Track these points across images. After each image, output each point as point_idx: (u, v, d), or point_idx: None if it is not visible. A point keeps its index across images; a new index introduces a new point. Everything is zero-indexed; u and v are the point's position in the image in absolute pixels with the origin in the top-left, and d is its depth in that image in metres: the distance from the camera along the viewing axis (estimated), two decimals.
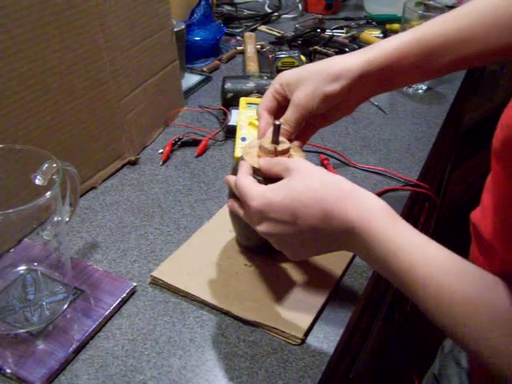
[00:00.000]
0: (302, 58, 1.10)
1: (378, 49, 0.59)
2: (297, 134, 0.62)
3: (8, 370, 0.52)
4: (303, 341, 0.57)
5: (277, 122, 0.57)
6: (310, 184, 0.50)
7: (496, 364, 0.40)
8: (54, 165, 0.54)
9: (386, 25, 1.37)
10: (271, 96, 0.62)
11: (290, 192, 0.50)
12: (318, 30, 1.25)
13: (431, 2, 1.09)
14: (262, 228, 0.52)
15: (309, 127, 0.65)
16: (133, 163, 0.85)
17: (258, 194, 0.51)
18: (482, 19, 0.57)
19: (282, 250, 0.54)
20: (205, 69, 1.14)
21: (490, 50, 0.58)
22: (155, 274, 0.63)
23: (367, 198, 0.48)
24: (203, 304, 0.61)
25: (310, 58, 1.13)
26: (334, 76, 0.58)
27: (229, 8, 1.46)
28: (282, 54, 1.08)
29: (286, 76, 0.61)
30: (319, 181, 0.50)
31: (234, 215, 0.65)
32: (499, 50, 0.58)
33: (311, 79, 0.59)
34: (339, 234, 0.48)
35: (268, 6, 1.50)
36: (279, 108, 0.62)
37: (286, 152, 0.57)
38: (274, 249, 0.66)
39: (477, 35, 0.57)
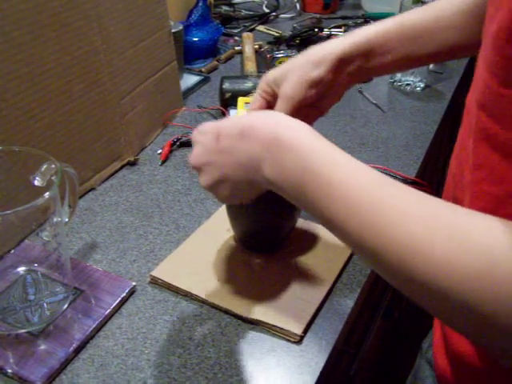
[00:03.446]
0: None
1: (361, 32, 0.60)
2: None
3: (9, 370, 0.52)
4: (302, 338, 0.57)
5: None
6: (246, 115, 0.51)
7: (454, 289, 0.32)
8: (53, 166, 0.54)
9: None
10: (259, 97, 0.62)
11: (223, 120, 0.51)
12: (316, 30, 1.26)
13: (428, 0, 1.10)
14: (192, 156, 0.51)
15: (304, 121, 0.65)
16: (132, 164, 0.85)
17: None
18: (459, 10, 0.59)
19: (206, 183, 0.51)
20: (203, 69, 1.15)
21: (468, 42, 0.58)
22: (154, 273, 0.63)
23: (294, 119, 0.46)
24: (202, 302, 0.61)
25: None
26: (315, 62, 0.59)
27: (227, 8, 1.47)
28: (280, 54, 1.09)
29: (272, 74, 0.61)
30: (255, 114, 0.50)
31: (231, 214, 0.65)
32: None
33: (295, 70, 0.60)
34: (256, 148, 0.45)
35: (266, 6, 1.51)
36: (270, 107, 0.62)
37: None
38: (272, 247, 0.67)
39: (455, 25, 0.59)
